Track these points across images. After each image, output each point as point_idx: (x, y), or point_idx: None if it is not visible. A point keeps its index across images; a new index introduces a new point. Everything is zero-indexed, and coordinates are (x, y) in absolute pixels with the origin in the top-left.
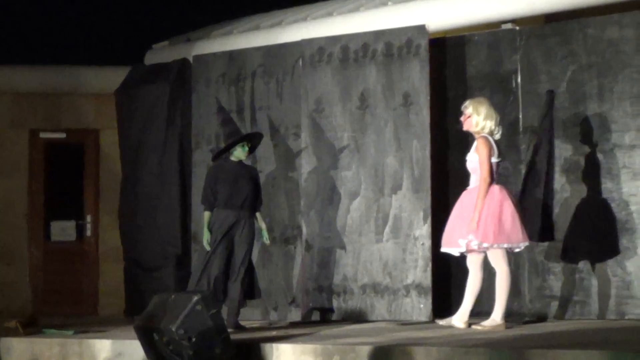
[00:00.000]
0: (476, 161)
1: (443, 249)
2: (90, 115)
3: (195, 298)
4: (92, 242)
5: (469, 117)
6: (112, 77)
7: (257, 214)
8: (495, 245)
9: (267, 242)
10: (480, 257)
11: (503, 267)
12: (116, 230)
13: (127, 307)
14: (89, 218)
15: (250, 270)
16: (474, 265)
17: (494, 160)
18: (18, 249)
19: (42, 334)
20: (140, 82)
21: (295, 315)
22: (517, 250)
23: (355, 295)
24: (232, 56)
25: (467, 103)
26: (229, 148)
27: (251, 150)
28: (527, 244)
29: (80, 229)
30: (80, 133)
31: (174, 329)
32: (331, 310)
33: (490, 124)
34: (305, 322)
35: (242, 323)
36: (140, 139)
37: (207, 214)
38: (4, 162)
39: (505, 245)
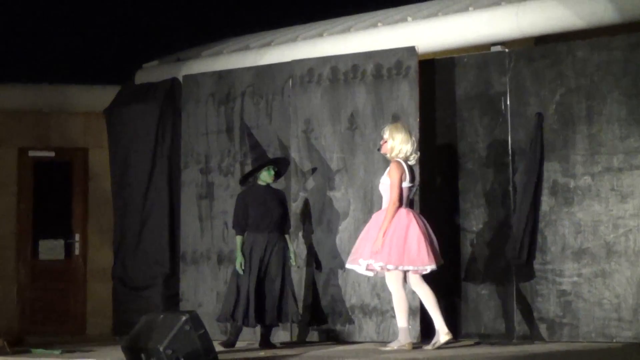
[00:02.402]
0: (388, 184)
1: (347, 266)
2: (79, 133)
3: (184, 318)
4: (80, 261)
5: (386, 142)
6: (101, 96)
7: (286, 237)
8: (400, 268)
9: (294, 264)
10: (397, 275)
11: (398, 289)
12: (104, 249)
13: (114, 326)
14: (77, 237)
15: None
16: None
17: (405, 185)
18: (6, 267)
19: (29, 353)
20: (129, 102)
21: (284, 335)
22: (423, 272)
23: (343, 316)
24: (222, 76)
25: (385, 128)
26: (254, 172)
27: (278, 176)
28: (434, 267)
29: (68, 248)
30: (69, 152)
31: (161, 349)
32: (320, 330)
33: (405, 149)
34: (294, 342)
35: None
36: (129, 158)
37: (239, 238)
38: None
39: (411, 268)
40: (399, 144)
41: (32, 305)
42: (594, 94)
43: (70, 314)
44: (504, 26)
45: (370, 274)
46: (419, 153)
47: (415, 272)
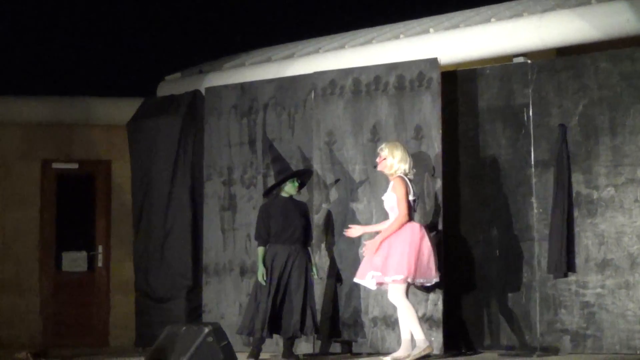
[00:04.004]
0: (393, 200)
1: (355, 280)
2: (102, 146)
3: (207, 330)
4: (103, 273)
5: (384, 159)
6: (124, 109)
7: (308, 249)
8: (416, 280)
9: (316, 277)
10: (403, 287)
11: (406, 302)
12: (127, 262)
13: (137, 338)
14: (100, 249)
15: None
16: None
17: (411, 198)
18: (29, 279)
19: None
20: (152, 114)
21: (306, 347)
22: (427, 285)
23: (366, 328)
24: (244, 88)
25: (383, 146)
26: (279, 184)
27: (301, 186)
28: (437, 280)
29: (91, 260)
30: (92, 164)
31: None
32: (342, 342)
33: (403, 167)
34: (316, 354)
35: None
36: (151, 171)
37: (261, 249)
38: (16, 192)
39: (421, 280)
40: (397, 162)
41: (55, 317)
42: (617, 106)
43: (93, 326)
44: (525, 37)
45: (374, 287)
46: (415, 170)
47: (422, 284)
